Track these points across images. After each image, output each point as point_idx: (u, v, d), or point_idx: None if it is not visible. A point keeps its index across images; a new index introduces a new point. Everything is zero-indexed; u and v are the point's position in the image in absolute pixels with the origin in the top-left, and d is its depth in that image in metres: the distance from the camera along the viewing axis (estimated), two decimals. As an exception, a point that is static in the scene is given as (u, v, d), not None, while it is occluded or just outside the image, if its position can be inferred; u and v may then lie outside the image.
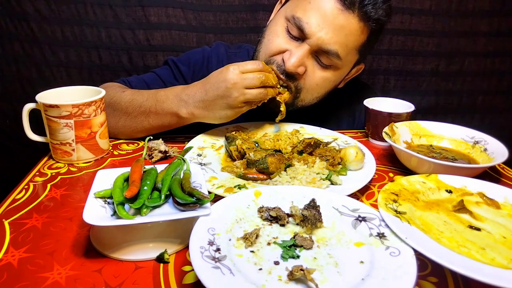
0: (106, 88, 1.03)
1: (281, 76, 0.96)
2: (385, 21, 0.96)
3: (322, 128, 1.05)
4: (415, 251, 0.53)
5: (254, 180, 0.79)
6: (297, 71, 0.95)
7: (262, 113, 1.01)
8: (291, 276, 0.49)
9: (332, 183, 0.78)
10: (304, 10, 0.93)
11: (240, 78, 0.85)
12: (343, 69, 1.01)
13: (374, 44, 1.04)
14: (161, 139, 0.93)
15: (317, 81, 0.99)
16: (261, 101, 0.91)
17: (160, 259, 0.57)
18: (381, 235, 0.58)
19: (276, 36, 0.99)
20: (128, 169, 0.67)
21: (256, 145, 0.89)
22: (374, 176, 0.81)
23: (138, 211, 0.59)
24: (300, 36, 0.95)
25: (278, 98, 0.97)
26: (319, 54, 0.95)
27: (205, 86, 0.88)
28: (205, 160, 0.86)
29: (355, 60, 1.02)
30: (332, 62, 0.96)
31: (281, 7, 1.05)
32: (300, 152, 0.88)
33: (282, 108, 0.98)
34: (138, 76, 1.16)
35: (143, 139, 1.00)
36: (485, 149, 0.89)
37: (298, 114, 1.08)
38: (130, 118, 0.96)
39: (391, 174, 0.87)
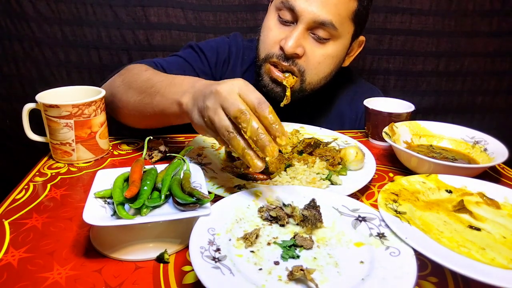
0: (133, 66, 0.99)
1: (283, 63, 0.98)
2: None
3: (322, 128, 1.05)
4: (415, 251, 0.53)
5: (254, 180, 0.79)
6: (296, 52, 0.96)
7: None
8: (291, 276, 0.49)
9: (332, 183, 0.78)
10: None
11: (228, 94, 0.63)
12: (342, 41, 1.01)
13: (368, 11, 1.05)
14: (161, 139, 0.93)
15: (319, 59, 1.00)
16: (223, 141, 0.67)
17: (160, 259, 0.57)
18: (381, 235, 0.58)
19: (269, 30, 1.01)
20: (128, 169, 0.67)
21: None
22: (374, 176, 0.81)
23: (138, 211, 0.59)
24: (293, 18, 0.97)
25: (284, 83, 0.99)
26: (314, 29, 0.97)
27: (206, 86, 0.69)
28: (205, 160, 0.86)
29: (352, 31, 1.03)
30: (330, 34, 0.97)
31: (270, 5, 1.08)
32: (300, 152, 0.88)
33: (288, 93, 0.99)
34: (167, 59, 1.10)
35: (143, 138, 1.00)
36: (485, 149, 0.89)
37: (301, 111, 1.09)
38: (141, 97, 0.86)
39: (391, 174, 0.87)
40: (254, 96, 0.63)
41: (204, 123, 0.67)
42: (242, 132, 0.62)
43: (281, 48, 0.98)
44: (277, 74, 1.00)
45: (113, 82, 0.97)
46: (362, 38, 1.10)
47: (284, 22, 0.99)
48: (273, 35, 1.00)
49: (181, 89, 0.77)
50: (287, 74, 1.01)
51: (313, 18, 0.94)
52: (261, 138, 0.60)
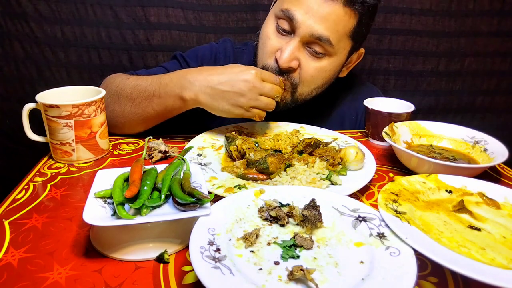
0: (112, 78, 1.04)
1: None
2: (373, 3, 0.96)
3: (322, 128, 1.05)
4: (415, 251, 0.53)
5: (254, 180, 0.79)
6: (291, 66, 0.96)
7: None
8: (291, 276, 0.49)
9: (332, 183, 0.78)
10: (290, 1, 0.95)
11: (260, 84, 0.87)
12: (337, 57, 1.01)
13: (368, 28, 1.04)
14: (161, 139, 0.93)
15: (312, 72, 0.99)
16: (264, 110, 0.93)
17: (160, 259, 0.57)
18: (381, 235, 0.58)
19: (267, 39, 1.01)
20: (128, 169, 0.67)
21: (256, 145, 0.89)
22: (374, 176, 0.81)
23: (138, 211, 0.59)
24: (291, 28, 0.96)
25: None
26: (311, 44, 0.96)
27: (219, 77, 0.88)
28: (205, 160, 0.86)
29: (350, 47, 1.02)
30: (326, 50, 0.97)
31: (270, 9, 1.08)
32: (300, 152, 0.88)
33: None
34: (147, 70, 1.16)
35: (143, 137, 1.00)
36: (485, 149, 0.89)
37: (301, 112, 1.09)
38: (135, 104, 0.96)
39: (391, 174, 0.87)
40: (271, 77, 0.91)
41: (236, 108, 0.89)
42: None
43: (276, 60, 0.98)
44: None
45: None
46: (362, 50, 1.10)
47: (281, 32, 0.98)
48: (270, 44, 1.00)
49: (176, 86, 0.91)
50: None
51: (311, 31, 0.93)
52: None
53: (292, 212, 0.62)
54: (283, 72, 0.98)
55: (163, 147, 0.89)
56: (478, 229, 0.62)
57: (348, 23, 0.95)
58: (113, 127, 1.00)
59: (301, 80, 1.00)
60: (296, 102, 1.05)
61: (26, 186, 0.77)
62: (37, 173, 0.83)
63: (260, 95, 0.88)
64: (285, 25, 0.97)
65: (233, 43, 1.23)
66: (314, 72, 0.99)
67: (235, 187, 0.74)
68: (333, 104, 1.19)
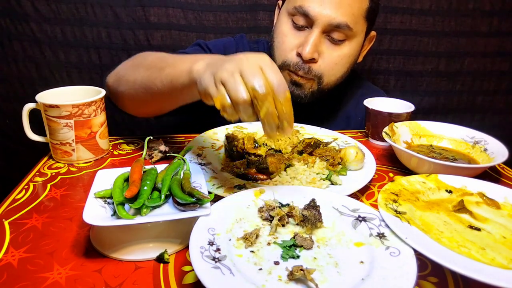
0: (147, 53, 0.95)
1: (299, 72, 0.99)
2: None
3: (322, 128, 1.05)
4: (415, 251, 0.53)
5: (254, 180, 0.79)
6: (314, 57, 0.97)
7: None
8: (291, 276, 0.49)
9: (332, 183, 0.78)
10: None
11: (251, 63, 0.60)
12: (357, 40, 1.02)
13: (378, 7, 1.06)
14: (161, 139, 0.93)
15: (335, 60, 1.01)
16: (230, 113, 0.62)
17: (160, 259, 0.57)
18: (381, 235, 0.58)
19: (284, 36, 1.01)
20: (128, 169, 0.67)
21: (256, 145, 0.89)
22: (374, 176, 0.81)
23: (138, 211, 0.59)
24: (307, 23, 0.97)
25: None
26: (330, 32, 0.97)
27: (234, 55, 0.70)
28: (205, 160, 0.86)
29: (365, 29, 1.04)
30: (345, 36, 0.98)
31: (280, 10, 1.08)
32: (300, 152, 0.88)
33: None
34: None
35: (143, 138, 1.00)
36: (485, 149, 0.89)
37: (306, 112, 1.09)
38: (148, 74, 0.83)
39: (391, 174, 0.87)
40: (276, 76, 0.59)
41: (213, 86, 0.60)
42: (254, 106, 0.58)
43: (299, 55, 0.99)
44: (296, 77, 1.02)
45: (122, 66, 0.96)
46: (373, 33, 1.11)
47: (298, 27, 0.99)
48: (289, 41, 1.00)
49: (194, 59, 0.71)
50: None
51: (329, 21, 0.94)
52: (270, 123, 0.58)
53: (292, 212, 0.62)
54: (305, 63, 0.98)
55: (163, 147, 0.89)
56: (478, 229, 0.62)
57: (362, 4, 0.97)
58: (117, 97, 0.94)
59: (325, 69, 1.01)
60: (323, 92, 1.06)
61: (26, 186, 0.77)
62: (37, 173, 0.83)
63: (241, 74, 0.59)
64: (301, 21, 0.98)
65: (248, 40, 1.24)
66: (338, 59, 1.01)
67: (235, 187, 0.74)
68: (340, 107, 1.20)
